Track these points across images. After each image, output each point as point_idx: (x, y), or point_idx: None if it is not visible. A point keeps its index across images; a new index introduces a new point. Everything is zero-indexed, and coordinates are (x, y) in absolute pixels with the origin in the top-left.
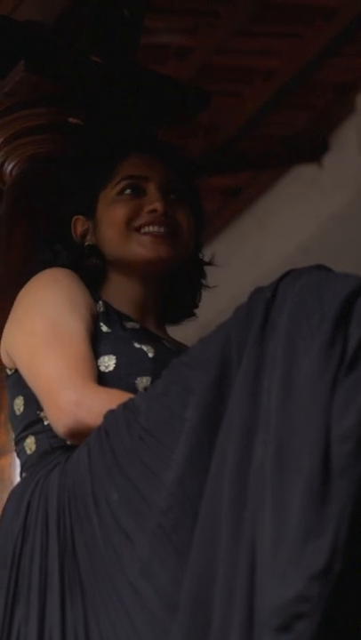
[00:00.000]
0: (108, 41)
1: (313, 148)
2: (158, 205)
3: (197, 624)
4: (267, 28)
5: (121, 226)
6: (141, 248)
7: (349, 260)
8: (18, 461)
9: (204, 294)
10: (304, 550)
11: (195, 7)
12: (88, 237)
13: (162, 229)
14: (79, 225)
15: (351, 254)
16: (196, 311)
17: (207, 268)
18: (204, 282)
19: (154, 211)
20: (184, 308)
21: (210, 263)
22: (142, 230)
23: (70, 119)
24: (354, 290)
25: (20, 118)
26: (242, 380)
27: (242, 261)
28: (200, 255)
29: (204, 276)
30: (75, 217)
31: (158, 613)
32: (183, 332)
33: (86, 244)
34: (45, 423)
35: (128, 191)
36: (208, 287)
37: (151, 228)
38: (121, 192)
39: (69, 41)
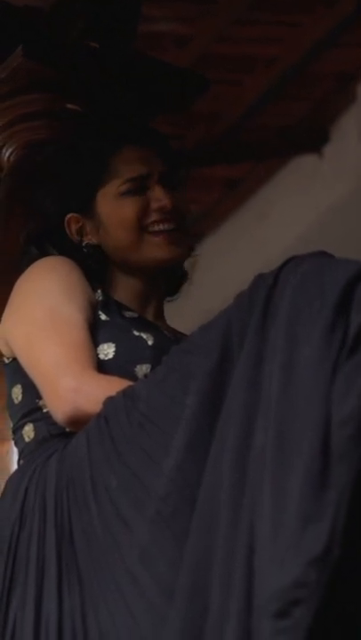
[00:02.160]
0: (105, 27)
1: (313, 139)
2: (166, 202)
3: (195, 609)
4: (266, 15)
5: (132, 227)
6: (156, 249)
7: (349, 250)
8: (15, 449)
9: (207, 283)
10: (303, 536)
11: None
12: (88, 236)
13: (172, 226)
14: (73, 223)
15: (351, 245)
16: (198, 301)
17: (208, 258)
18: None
19: (162, 207)
20: (179, 282)
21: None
22: (152, 229)
23: (68, 105)
24: (355, 275)
25: (17, 104)
26: (243, 365)
27: (242, 252)
28: None
29: (193, 248)
30: (69, 215)
31: (156, 600)
32: (186, 322)
33: (86, 242)
34: (44, 411)
35: (133, 188)
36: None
37: (162, 226)
38: (125, 191)
39: (67, 27)
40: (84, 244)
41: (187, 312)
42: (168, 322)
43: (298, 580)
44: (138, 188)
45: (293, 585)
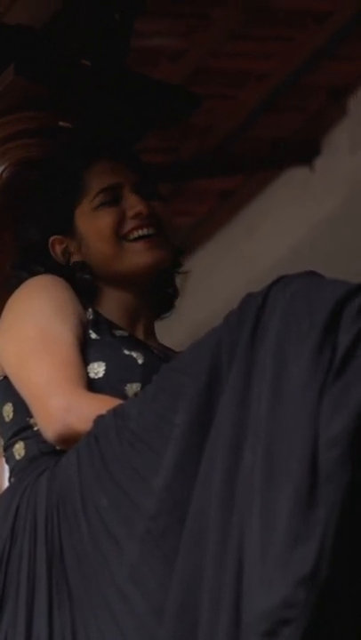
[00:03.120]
0: (98, 45)
1: (305, 152)
2: (142, 208)
3: (184, 628)
4: (259, 31)
5: (110, 238)
6: (137, 256)
7: (341, 263)
8: (7, 467)
9: (198, 296)
10: (291, 555)
11: (187, 10)
12: (73, 256)
13: (151, 231)
14: (57, 244)
15: (342, 257)
16: (188, 313)
17: (200, 271)
18: (178, 269)
19: (138, 214)
20: (170, 299)
21: (183, 250)
22: (131, 237)
23: (60, 123)
24: (343, 296)
25: (9, 122)
26: (232, 385)
27: (234, 263)
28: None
29: (180, 264)
30: (52, 237)
31: (146, 619)
32: (176, 335)
33: (73, 261)
34: (35, 429)
35: (106, 203)
36: (182, 273)
37: (140, 232)
38: (99, 204)
39: (59, 45)
40: (70, 264)
41: (178, 323)
42: (158, 333)
43: (286, 599)
44: (111, 198)
45: (282, 605)
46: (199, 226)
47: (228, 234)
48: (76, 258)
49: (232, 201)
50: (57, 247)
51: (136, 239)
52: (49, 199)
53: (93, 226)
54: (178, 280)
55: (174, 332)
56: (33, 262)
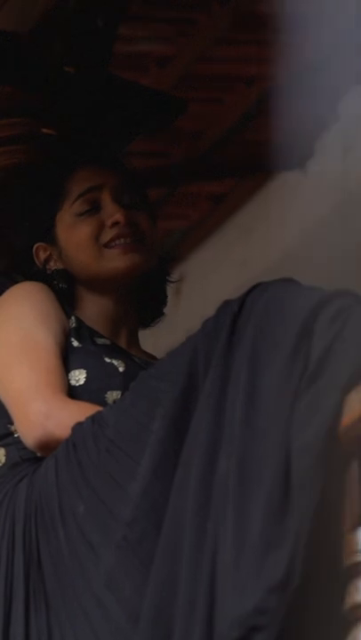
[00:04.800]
0: (81, 51)
1: (297, 155)
2: (119, 217)
3: (159, 634)
4: (246, 35)
5: (89, 246)
6: (113, 262)
7: (334, 266)
8: None
9: (191, 301)
10: (263, 562)
11: (175, 16)
12: (52, 263)
13: (128, 240)
14: (41, 252)
15: (336, 260)
16: (182, 318)
17: (193, 275)
18: (169, 278)
19: (116, 223)
20: (156, 308)
21: (172, 258)
22: (110, 245)
23: (44, 130)
24: (317, 303)
25: None
26: (208, 392)
27: (228, 268)
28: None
29: (169, 273)
30: (36, 245)
31: (122, 625)
32: (167, 340)
33: (53, 269)
34: (16, 435)
35: (86, 209)
36: (172, 282)
37: (118, 242)
38: (79, 212)
39: (43, 51)
40: (49, 272)
41: (171, 328)
42: (152, 338)
43: (258, 606)
44: (90, 207)
45: (254, 611)
46: (192, 230)
47: (222, 238)
48: (57, 265)
49: (225, 205)
50: (41, 255)
51: (113, 247)
52: (32, 206)
53: (73, 236)
54: (170, 288)
55: (168, 336)
56: (17, 269)
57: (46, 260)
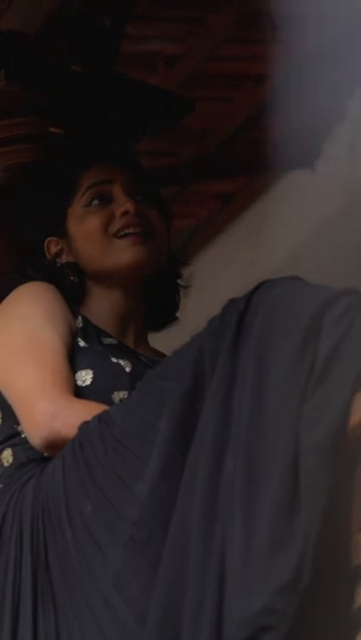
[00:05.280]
0: (88, 50)
1: (305, 155)
2: (129, 206)
3: (166, 635)
4: (254, 34)
5: (98, 236)
6: (122, 253)
7: (342, 264)
8: None
9: (200, 300)
10: (272, 563)
11: (183, 14)
12: (63, 256)
13: (137, 230)
14: (52, 246)
15: (343, 259)
16: (190, 318)
17: (202, 274)
18: (180, 282)
19: (126, 212)
20: (166, 312)
21: (184, 262)
22: (119, 234)
23: (51, 129)
24: (324, 302)
25: (0, 128)
26: (214, 391)
27: (236, 267)
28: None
29: (179, 275)
30: (47, 239)
31: (129, 625)
32: (177, 339)
33: (63, 262)
34: (22, 436)
35: (95, 201)
36: (185, 287)
37: (127, 231)
38: (88, 203)
39: (50, 50)
40: (59, 265)
41: (181, 327)
42: (161, 337)
43: (267, 606)
44: (100, 196)
45: (262, 612)
46: (200, 230)
47: (230, 237)
48: (67, 258)
49: (233, 204)
50: (52, 248)
51: (123, 236)
52: (45, 201)
53: (82, 227)
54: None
55: (178, 334)
56: (29, 264)
57: (57, 254)
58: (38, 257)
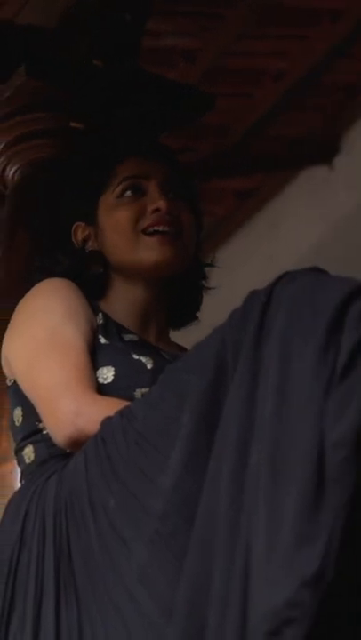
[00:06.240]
0: (109, 45)
1: (324, 150)
2: (162, 204)
3: (192, 628)
4: (273, 29)
5: (127, 230)
6: (149, 251)
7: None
8: (18, 469)
9: (218, 297)
10: (296, 556)
11: (201, 10)
12: (90, 243)
13: (167, 229)
14: (80, 232)
15: None
16: (209, 314)
17: (220, 271)
18: (204, 283)
19: (157, 210)
20: (188, 311)
21: (210, 264)
22: (148, 231)
23: (72, 124)
24: (348, 294)
25: (21, 123)
26: (237, 385)
27: (255, 263)
28: (200, 256)
29: (204, 277)
30: (75, 224)
31: (155, 620)
32: (196, 335)
33: (88, 249)
34: (44, 433)
35: (128, 192)
36: (209, 289)
37: (157, 228)
38: (121, 194)
39: (71, 45)
40: (86, 251)
41: (199, 323)
42: (180, 332)
43: (290, 600)
44: (134, 188)
45: (286, 605)
46: (219, 226)
47: (249, 233)
48: (93, 246)
49: (252, 200)
50: (79, 234)
51: (151, 234)
52: (78, 186)
53: (112, 217)
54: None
55: (196, 330)
56: (54, 248)
57: (84, 240)
58: (65, 241)
